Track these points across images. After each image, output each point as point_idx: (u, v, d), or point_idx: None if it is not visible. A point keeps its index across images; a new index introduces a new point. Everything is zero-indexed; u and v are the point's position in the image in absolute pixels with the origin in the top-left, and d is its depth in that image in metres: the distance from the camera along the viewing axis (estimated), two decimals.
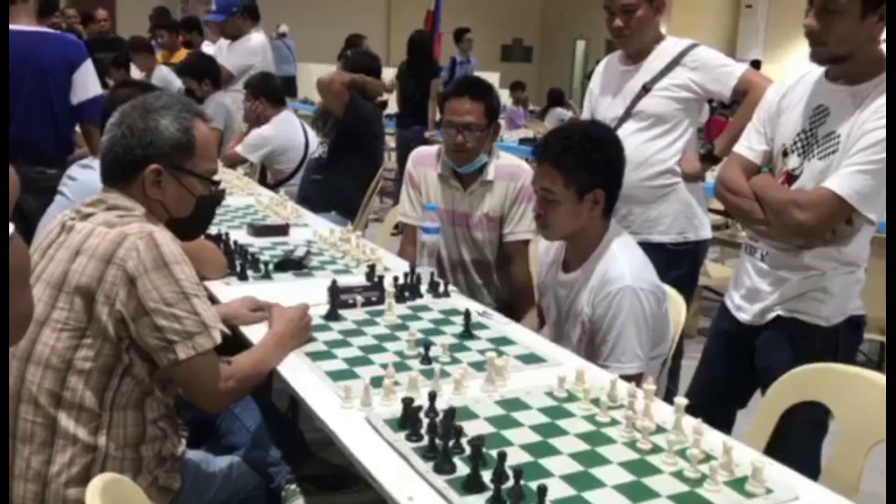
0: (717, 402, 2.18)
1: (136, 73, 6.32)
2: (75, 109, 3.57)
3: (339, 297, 2.17)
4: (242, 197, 3.72)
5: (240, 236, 2.85)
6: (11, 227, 1.02)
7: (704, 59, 2.78)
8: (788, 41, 14.35)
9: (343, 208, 4.01)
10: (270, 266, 2.53)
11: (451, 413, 1.47)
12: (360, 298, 2.22)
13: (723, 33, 16.80)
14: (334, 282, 2.19)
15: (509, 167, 2.89)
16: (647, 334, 2.10)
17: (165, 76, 6.02)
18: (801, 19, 1.99)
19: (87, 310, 1.61)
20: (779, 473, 1.44)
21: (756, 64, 11.62)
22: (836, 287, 2.07)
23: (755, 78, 2.75)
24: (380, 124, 4.61)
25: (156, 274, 1.61)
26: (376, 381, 1.68)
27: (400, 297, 2.28)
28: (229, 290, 2.33)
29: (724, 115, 8.60)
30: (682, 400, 1.54)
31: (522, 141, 6.94)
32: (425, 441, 1.46)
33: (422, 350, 1.88)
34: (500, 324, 2.17)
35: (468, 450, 1.36)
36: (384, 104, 7.85)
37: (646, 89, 2.80)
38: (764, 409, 1.92)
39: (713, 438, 1.51)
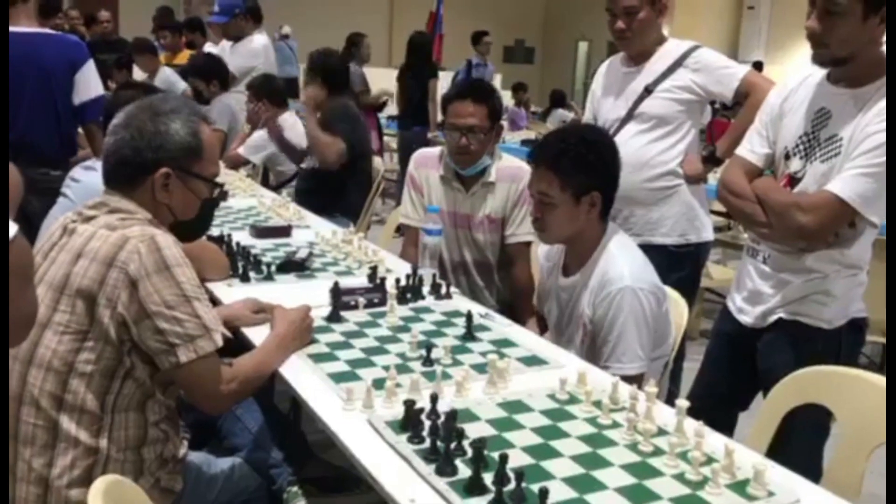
0: (718, 404, 2.17)
1: (138, 74, 6.32)
2: (77, 110, 3.58)
3: (341, 299, 2.17)
4: (245, 198, 3.72)
5: (242, 238, 2.85)
6: (15, 228, 1.02)
7: (706, 60, 2.78)
8: (790, 43, 14.34)
9: (343, 213, 3.98)
10: (272, 268, 2.53)
11: (452, 415, 1.47)
12: (362, 300, 2.22)
13: (725, 35, 16.79)
14: (336, 283, 2.19)
15: (511, 169, 2.89)
16: (648, 335, 2.10)
17: (168, 77, 6.03)
18: (803, 21, 1.99)
19: (89, 313, 1.61)
20: (780, 476, 1.44)
21: (758, 65, 11.60)
22: (838, 290, 2.06)
23: (757, 80, 2.75)
24: (361, 124, 4.40)
25: (157, 277, 1.61)
26: (378, 383, 1.68)
27: (402, 299, 2.28)
28: (231, 292, 2.33)
29: (725, 116, 8.60)
30: (683, 402, 1.54)
31: (524, 142, 6.94)
32: (427, 443, 1.46)
33: (423, 352, 1.88)
34: (501, 326, 2.17)
35: (470, 452, 1.36)
36: (383, 105, 7.86)
37: (648, 91, 2.80)
38: (766, 412, 1.92)
39: (715, 441, 1.51)
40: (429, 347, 1.88)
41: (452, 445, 1.42)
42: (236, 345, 1.88)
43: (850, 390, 1.79)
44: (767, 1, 16.52)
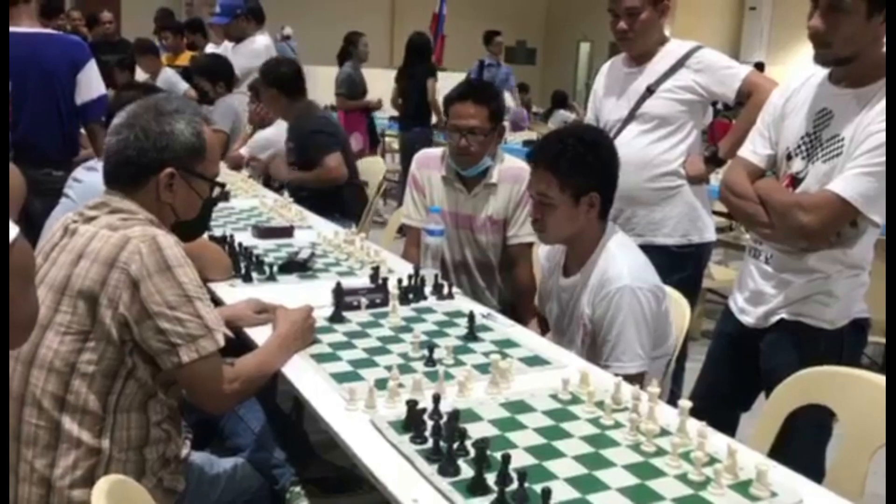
0: (720, 404, 2.17)
1: (140, 75, 6.33)
2: (80, 109, 3.58)
3: (343, 299, 2.17)
4: (247, 199, 3.73)
5: (244, 238, 2.85)
6: (16, 229, 1.03)
7: (708, 61, 2.78)
8: (792, 43, 14.32)
9: (343, 213, 3.98)
10: (275, 268, 2.53)
11: (455, 415, 1.47)
12: (364, 300, 2.22)
13: (726, 35, 16.78)
14: (339, 284, 2.20)
15: (513, 170, 2.89)
16: (648, 334, 2.11)
17: (170, 78, 6.03)
18: (804, 22, 1.98)
19: (91, 313, 1.61)
20: (783, 476, 1.44)
21: (760, 66, 11.59)
22: (840, 290, 2.06)
23: (759, 80, 2.75)
24: (332, 120, 4.29)
25: (159, 277, 1.61)
26: (380, 384, 1.68)
27: (404, 299, 2.28)
28: (234, 292, 2.33)
29: (727, 117, 8.60)
30: (686, 403, 1.54)
31: (526, 143, 6.94)
32: (429, 443, 1.46)
33: (426, 352, 1.88)
34: (503, 326, 2.17)
35: (472, 452, 1.36)
36: (377, 105, 7.86)
37: (650, 91, 2.80)
38: (768, 412, 1.92)
39: (717, 441, 1.51)
40: (431, 348, 1.88)
41: (455, 446, 1.42)
42: (238, 345, 1.88)
43: (852, 391, 1.79)
44: (769, 1, 16.51)
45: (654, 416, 1.56)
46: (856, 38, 1.92)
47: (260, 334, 1.99)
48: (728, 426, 2.01)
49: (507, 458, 1.32)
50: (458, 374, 1.76)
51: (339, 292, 2.17)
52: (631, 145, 2.73)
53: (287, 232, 3.06)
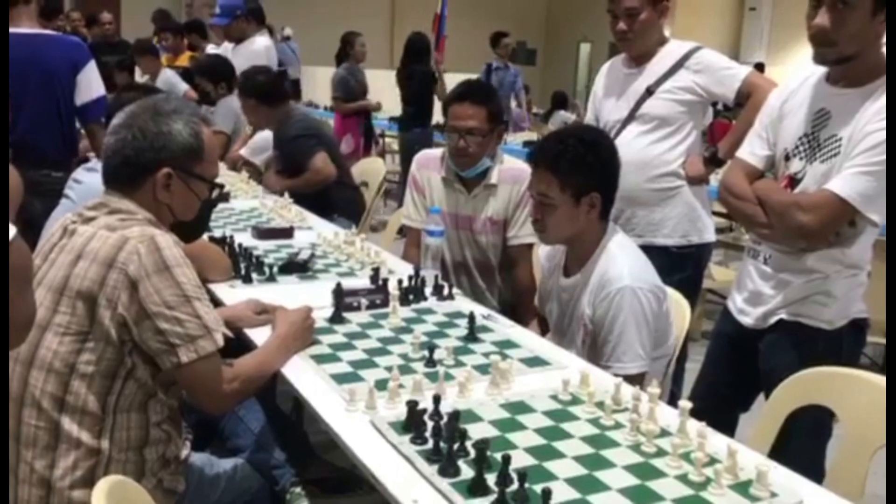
0: (720, 405, 2.17)
1: (140, 76, 6.33)
2: (79, 110, 3.58)
3: (343, 300, 2.17)
4: (247, 200, 3.73)
5: (244, 239, 2.85)
6: (14, 230, 1.03)
7: (708, 61, 2.78)
8: (792, 44, 14.32)
9: (341, 213, 3.97)
10: (275, 269, 2.53)
11: (455, 416, 1.47)
12: (364, 301, 2.22)
13: (726, 36, 16.78)
14: (339, 284, 2.20)
15: (513, 170, 2.89)
16: (649, 334, 2.11)
17: (170, 79, 6.03)
18: (804, 22, 1.97)
19: (90, 314, 1.61)
20: (783, 477, 1.44)
21: (759, 67, 11.57)
22: (839, 290, 2.06)
23: (759, 80, 2.75)
24: (314, 120, 4.30)
25: (157, 277, 1.61)
26: (381, 384, 1.68)
27: (404, 300, 2.28)
28: (234, 293, 2.33)
29: (726, 117, 8.60)
30: (686, 403, 1.54)
31: (526, 144, 6.94)
32: (430, 444, 1.46)
33: (426, 353, 1.88)
34: (504, 327, 2.17)
35: (472, 453, 1.36)
36: (377, 108, 7.85)
37: (649, 92, 2.80)
38: (768, 413, 1.92)
39: (717, 442, 1.51)
40: (431, 348, 1.88)
41: (455, 446, 1.42)
42: (238, 346, 1.88)
43: (852, 391, 1.79)
44: (769, 2, 16.52)
45: (654, 416, 1.56)
46: (860, 35, 1.92)
47: (260, 335, 1.99)
48: (727, 426, 2.01)
49: (507, 459, 1.32)
50: (459, 374, 1.76)
51: (339, 293, 2.17)
52: (631, 146, 2.73)
53: (287, 233, 3.06)
